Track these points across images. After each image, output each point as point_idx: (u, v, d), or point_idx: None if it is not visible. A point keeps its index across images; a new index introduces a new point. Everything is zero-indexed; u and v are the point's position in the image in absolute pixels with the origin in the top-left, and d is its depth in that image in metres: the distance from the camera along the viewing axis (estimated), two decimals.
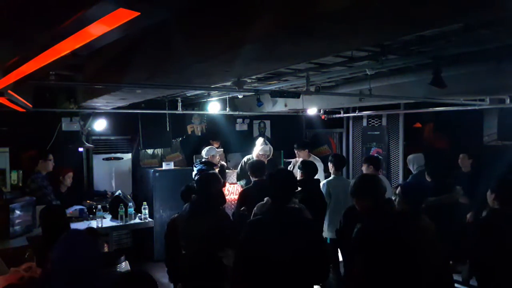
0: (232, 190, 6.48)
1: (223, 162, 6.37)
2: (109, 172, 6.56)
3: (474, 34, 2.93)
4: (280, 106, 6.73)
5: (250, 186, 4.43)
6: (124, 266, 3.67)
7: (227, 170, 6.50)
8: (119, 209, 5.15)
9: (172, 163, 6.59)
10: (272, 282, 2.37)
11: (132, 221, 5.28)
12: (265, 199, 3.31)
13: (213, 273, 3.00)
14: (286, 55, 2.51)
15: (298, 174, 4.49)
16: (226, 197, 4.42)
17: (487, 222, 3.03)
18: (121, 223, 5.17)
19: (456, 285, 3.08)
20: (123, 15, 1.32)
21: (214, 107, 6.50)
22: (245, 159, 5.94)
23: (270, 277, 2.35)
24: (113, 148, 6.70)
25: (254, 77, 4.50)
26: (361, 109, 7.14)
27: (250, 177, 4.45)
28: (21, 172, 5.53)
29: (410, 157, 5.83)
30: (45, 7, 1.52)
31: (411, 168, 5.74)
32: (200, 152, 6.95)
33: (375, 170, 4.74)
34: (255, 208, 3.42)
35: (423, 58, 3.62)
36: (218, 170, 5.62)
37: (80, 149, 6.26)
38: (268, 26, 1.89)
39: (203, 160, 5.85)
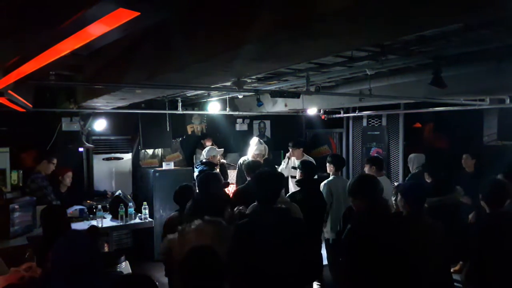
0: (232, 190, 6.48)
1: (223, 161, 6.37)
2: (109, 172, 6.56)
3: (474, 34, 2.93)
4: (280, 106, 6.73)
5: (244, 185, 4.42)
6: (124, 266, 3.67)
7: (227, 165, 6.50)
8: (119, 209, 5.15)
9: (172, 163, 6.59)
10: (264, 282, 2.36)
11: (132, 221, 5.28)
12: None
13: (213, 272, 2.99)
14: (286, 55, 2.51)
15: (297, 174, 4.48)
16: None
17: (486, 223, 3.03)
18: (121, 223, 5.17)
19: (456, 284, 3.08)
20: (123, 15, 1.32)
21: (214, 107, 6.50)
22: (240, 160, 5.94)
23: (262, 278, 2.35)
24: (113, 148, 6.70)
25: (254, 77, 4.50)
26: (361, 109, 7.15)
27: (247, 177, 4.44)
28: (21, 172, 5.53)
29: (411, 156, 5.83)
30: (45, 7, 1.52)
31: (410, 167, 5.75)
32: (197, 152, 6.97)
33: (377, 171, 4.72)
34: (248, 210, 3.41)
35: (423, 58, 3.62)
36: (220, 169, 5.62)
37: (80, 149, 6.26)
38: (268, 26, 1.89)
39: (204, 160, 5.85)
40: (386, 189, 3.89)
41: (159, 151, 7.11)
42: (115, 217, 5.27)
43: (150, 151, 7.03)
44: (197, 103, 7.03)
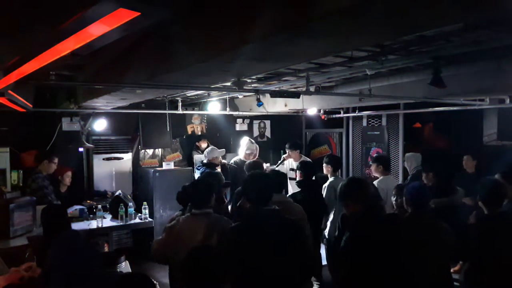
0: None
1: (224, 161, 6.37)
2: (109, 172, 6.57)
3: (474, 34, 2.93)
4: (280, 106, 6.73)
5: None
6: (124, 266, 3.67)
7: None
8: (119, 209, 5.15)
9: (172, 163, 6.59)
10: (258, 283, 2.36)
11: (132, 221, 5.28)
12: None
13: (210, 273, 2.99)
14: (286, 55, 2.50)
15: (297, 175, 4.49)
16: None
17: (484, 224, 3.04)
18: (121, 223, 5.17)
19: (455, 284, 3.09)
20: (123, 15, 1.32)
21: (214, 107, 6.50)
22: (232, 161, 5.95)
23: (256, 278, 2.35)
24: (113, 148, 6.69)
25: (254, 77, 4.50)
26: (361, 109, 7.14)
27: None
28: (21, 172, 5.54)
29: (408, 155, 5.82)
30: (45, 7, 1.52)
31: (407, 166, 5.73)
32: (193, 154, 6.97)
33: (384, 170, 4.69)
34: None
35: (423, 58, 3.62)
36: (221, 170, 5.62)
37: (80, 149, 6.26)
38: (268, 26, 1.89)
39: (205, 162, 5.83)
40: (391, 190, 3.89)
41: (159, 151, 7.12)
42: (115, 217, 5.27)
43: (150, 151, 7.04)
44: (197, 103, 7.04)
